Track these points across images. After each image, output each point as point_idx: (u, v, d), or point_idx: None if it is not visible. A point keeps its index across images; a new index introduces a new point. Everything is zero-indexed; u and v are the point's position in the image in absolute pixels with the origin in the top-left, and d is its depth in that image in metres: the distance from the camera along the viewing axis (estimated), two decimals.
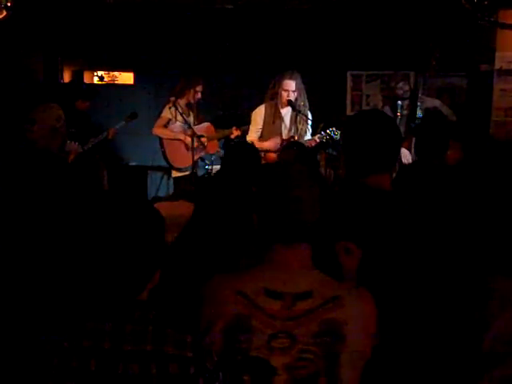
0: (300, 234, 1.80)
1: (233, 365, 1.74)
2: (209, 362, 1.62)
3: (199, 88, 5.72)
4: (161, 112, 5.75)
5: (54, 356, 1.62)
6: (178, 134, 5.67)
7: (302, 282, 1.77)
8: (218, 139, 5.91)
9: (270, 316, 1.73)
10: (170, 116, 5.67)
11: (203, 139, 5.59)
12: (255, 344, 1.73)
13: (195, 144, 5.39)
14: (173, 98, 5.58)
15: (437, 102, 5.45)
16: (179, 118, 5.57)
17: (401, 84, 5.54)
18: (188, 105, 5.75)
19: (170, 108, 5.62)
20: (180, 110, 5.55)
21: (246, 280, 1.80)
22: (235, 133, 5.70)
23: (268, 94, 5.45)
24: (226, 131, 5.79)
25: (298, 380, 1.70)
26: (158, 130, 5.73)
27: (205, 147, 5.65)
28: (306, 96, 5.40)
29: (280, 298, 1.74)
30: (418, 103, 5.33)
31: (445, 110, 5.37)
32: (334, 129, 5.23)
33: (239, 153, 3.55)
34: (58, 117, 3.20)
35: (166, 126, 5.71)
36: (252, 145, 4.28)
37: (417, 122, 5.19)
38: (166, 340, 1.61)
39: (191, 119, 5.74)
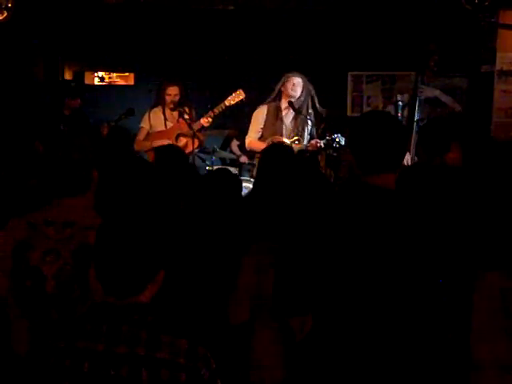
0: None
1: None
2: (204, 369, 1.61)
3: (171, 91, 5.48)
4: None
5: (51, 355, 1.62)
6: (156, 143, 5.29)
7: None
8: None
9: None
10: (147, 127, 5.56)
11: (182, 138, 5.40)
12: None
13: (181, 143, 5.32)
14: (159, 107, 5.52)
15: (437, 92, 5.43)
16: (160, 123, 5.48)
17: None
18: (177, 108, 5.51)
19: (149, 116, 5.54)
20: (164, 114, 5.48)
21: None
22: (206, 120, 5.39)
23: (272, 93, 5.41)
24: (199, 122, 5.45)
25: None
26: (137, 146, 5.59)
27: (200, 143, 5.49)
28: (312, 101, 5.36)
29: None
30: (418, 95, 5.31)
31: (445, 98, 5.35)
32: (339, 135, 5.17)
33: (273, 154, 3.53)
34: None
35: (146, 137, 5.55)
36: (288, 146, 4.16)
37: (418, 122, 5.19)
38: (159, 345, 1.60)
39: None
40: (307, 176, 3.72)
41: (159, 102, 5.57)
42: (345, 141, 5.00)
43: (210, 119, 5.43)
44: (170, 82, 5.55)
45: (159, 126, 5.55)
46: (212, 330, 2.62)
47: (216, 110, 5.41)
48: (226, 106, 5.41)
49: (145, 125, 5.61)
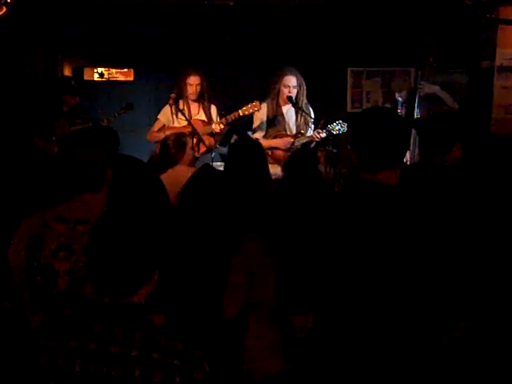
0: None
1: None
2: (198, 372, 1.60)
3: (192, 81, 5.41)
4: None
5: (42, 353, 1.61)
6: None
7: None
8: (208, 133, 5.51)
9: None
10: (164, 120, 5.52)
11: (196, 138, 5.32)
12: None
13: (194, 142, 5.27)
14: (173, 95, 5.44)
15: (436, 88, 5.40)
16: (180, 116, 5.46)
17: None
18: (199, 100, 5.52)
19: (171, 106, 5.47)
20: (182, 106, 5.44)
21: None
22: (218, 127, 5.38)
23: (269, 91, 5.41)
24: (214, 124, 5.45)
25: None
26: (150, 136, 5.54)
27: (204, 144, 5.48)
28: (306, 93, 5.37)
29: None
30: (418, 91, 5.30)
31: (444, 95, 5.33)
32: (340, 121, 5.15)
33: (243, 149, 3.54)
34: None
35: (160, 129, 5.50)
36: (257, 140, 4.18)
37: (417, 118, 5.18)
38: (154, 346, 1.59)
39: (200, 116, 5.57)
40: (302, 173, 3.73)
41: (181, 94, 5.47)
42: (347, 126, 4.97)
43: (222, 126, 5.37)
44: (191, 71, 5.45)
45: (176, 121, 5.48)
46: (204, 328, 2.61)
47: (229, 118, 5.35)
48: (239, 116, 5.34)
49: (162, 117, 5.54)
